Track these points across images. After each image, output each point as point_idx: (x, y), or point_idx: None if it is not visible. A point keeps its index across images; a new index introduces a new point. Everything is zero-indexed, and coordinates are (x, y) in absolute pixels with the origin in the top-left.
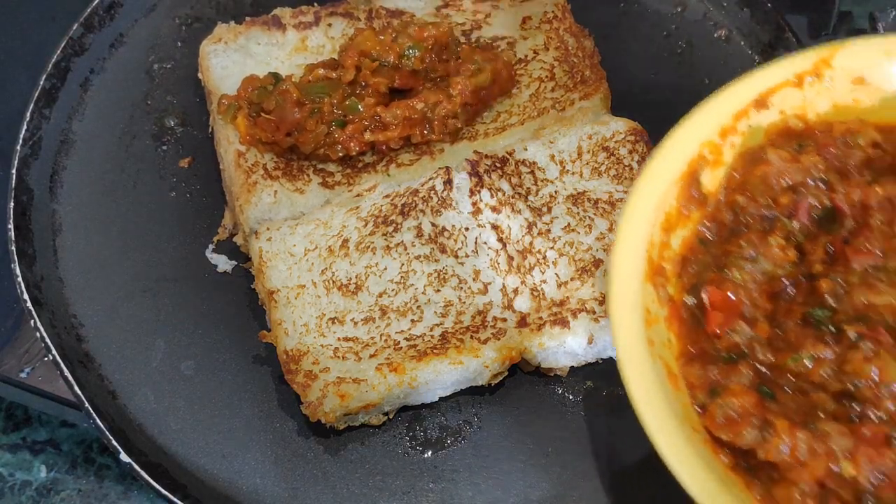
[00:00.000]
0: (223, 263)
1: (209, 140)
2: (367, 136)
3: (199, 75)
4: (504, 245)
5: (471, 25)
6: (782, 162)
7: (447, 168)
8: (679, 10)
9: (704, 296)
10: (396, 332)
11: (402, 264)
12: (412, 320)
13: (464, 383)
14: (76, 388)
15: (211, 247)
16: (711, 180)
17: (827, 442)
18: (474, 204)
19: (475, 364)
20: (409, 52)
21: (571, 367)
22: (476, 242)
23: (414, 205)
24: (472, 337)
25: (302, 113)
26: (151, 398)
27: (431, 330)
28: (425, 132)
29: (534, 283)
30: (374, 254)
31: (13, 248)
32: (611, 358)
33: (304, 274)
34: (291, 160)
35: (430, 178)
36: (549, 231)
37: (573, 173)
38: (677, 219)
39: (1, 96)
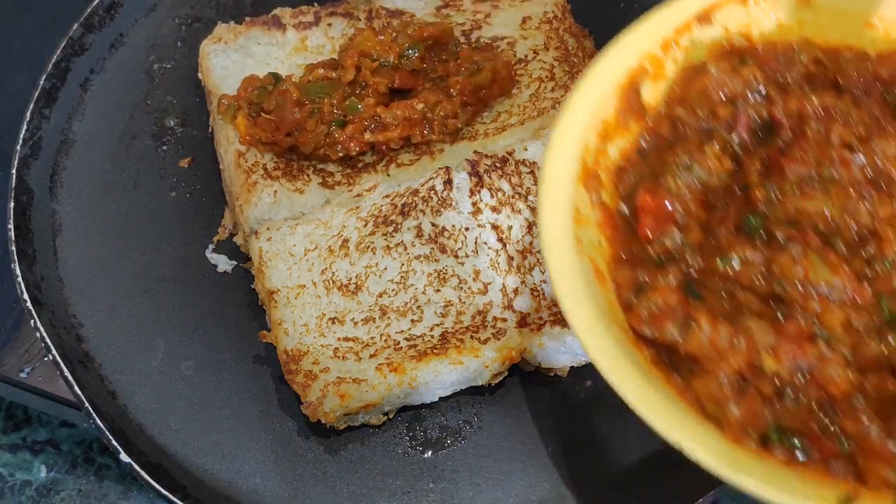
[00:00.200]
0: (223, 263)
1: (209, 140)
2: (367, 136)
3: (199, 75)
4: (504, 245)
5: (471, 25)
6: (722, 74)
7: (447, 168)
8: None
9: (637, 200)
10: (396, 332)
11: (402, 264)
12: (412, 320)
13: (464, 383)
14: (76, 388)
15: (211, 247)
16: (653, 93)
17: (749, 336)
18: (474, 204)
19: (475, 364)
20: (409, 52)
21: (571, 367)
22: (476, 242)
23: (414, 205)
24: (472, 337)
25: (302, 113)
26: (151, 398)
27: (431, 330)
28: (425, 132)
29: (534, 283)
30: (374, 254)
31: (13, 248)
32: None
33: (304, 274)
34: (291, 160)
35: (430, 178)
36: None
37: None
38: (615, 128)
39: (1, 96)
